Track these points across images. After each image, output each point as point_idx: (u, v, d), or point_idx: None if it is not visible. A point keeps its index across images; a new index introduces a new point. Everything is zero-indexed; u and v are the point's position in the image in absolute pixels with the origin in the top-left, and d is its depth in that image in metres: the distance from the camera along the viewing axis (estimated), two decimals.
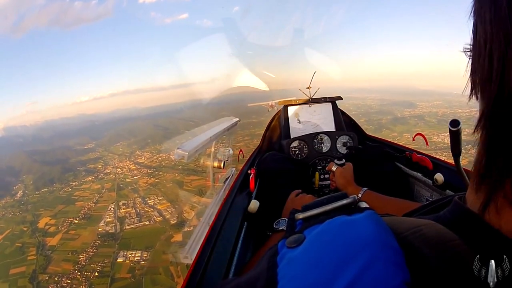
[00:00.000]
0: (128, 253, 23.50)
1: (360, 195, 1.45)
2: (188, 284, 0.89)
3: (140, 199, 31.89)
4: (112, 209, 30.27)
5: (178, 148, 1.35)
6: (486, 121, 0.33)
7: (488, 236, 0.33)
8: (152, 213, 28.66)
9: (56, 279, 22.12)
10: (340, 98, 2.65)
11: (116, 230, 26.68)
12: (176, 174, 36.76)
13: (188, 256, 1.24)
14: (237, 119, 2.60)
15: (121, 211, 29.71)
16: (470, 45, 0.36)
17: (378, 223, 0.34)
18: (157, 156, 43.81)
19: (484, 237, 0.34)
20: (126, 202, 31.64)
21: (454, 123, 0.59)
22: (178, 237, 24.56)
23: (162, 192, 33.12)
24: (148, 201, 31.11)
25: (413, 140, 2.12)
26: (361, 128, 2.75)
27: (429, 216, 0.43)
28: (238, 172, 2.04)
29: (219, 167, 1.96)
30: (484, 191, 0.34)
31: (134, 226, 27.03)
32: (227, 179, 2.06)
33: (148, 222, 27.40)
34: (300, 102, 2.62)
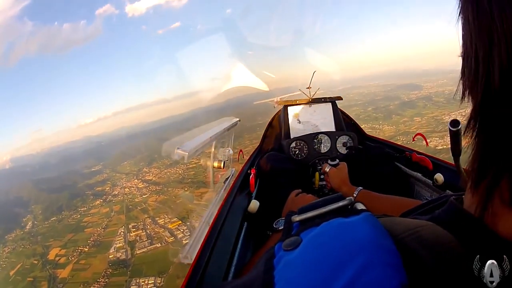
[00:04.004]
0: (140, 280, 22.57)
1: (355, 195, 1.42)
2: (188, 284, 0.89)
3: (150, 220, 31.06)
4: (122, 233, 29.47)
5: (178, 148, 1.31)
6: (475, 122, 0.32)
7: (485, 237, 0.33)
8: (163, 233, 27.71)
9: None
10: (340, 98, 2.65)
11: (127, 256, 25.79)
12: (186, 189, 35.67)
13: (188, 256, 1.20)
14: (237, 119, 2.52)
15: (131, 234, 28.89)
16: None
17: (375, 226, 0.34)
18: (165, 171, 43.27)
19: (482, 238, 0.33)
20: (136, 224, 30.89)
21: (454, 123, 0.57)
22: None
23: (172, 210, 32.11)
24: (158, 221, 30.18)
25: (413, 140, 2.14)
26: (361, 128, 2.76)
27: (424, 217, 0.43)
28: (238, 172, 2.06)
29: (219, 167, 1.91)
30: (479, 192, 0.34)
31: (145, 250, 26.04)
32: (227, 179, 2.04)
33: (159, 244, 26.34)
34: (300, 102, 2.63)
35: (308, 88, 2.69)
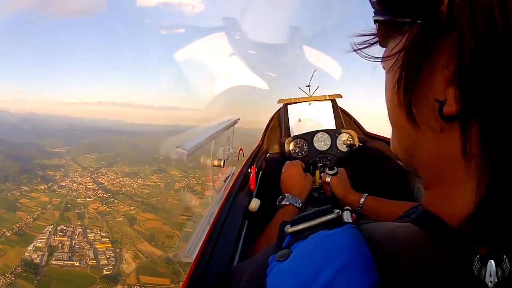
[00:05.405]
0: None
1: (362, 201, 1.44)
2: (189, 283, 0.90)
3: (81, 230, 28.36)
4: (48, 232, 26.72)
5: (177, 147, 1.33)
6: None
7: (440, 228, 0.37)
8: (87, 252, 25.00)
9: None
10: (340, 96, 2.70)
11: (42, 261, 23.10)
12: (132, 207, 33.33)
13: (189, 255, 1.23)
14: (238, 117, 2.54)
15: (55, 238, 26.19)
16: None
17: (354, 235, 0.38)
18: (121, 179, 40.64)
19: (438, 230, 0.37)
20: (65, 228, 28.06)
21: None
22: None
23: (108, 227, 29.58)
24: (89, 235, 27.61)
25: None
26: (361, 126, 2.80)
27: (407, 219, 0.48)
28: (238, 171, 2.06)
29: (219, 166, 1.89)
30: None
31: (61, 263, 23.33)
32: (227, 178, 2.07)
33: (77, 263, 23.61)
34: (299, 101, 2.66)
35: (307, 86, 2.68)
